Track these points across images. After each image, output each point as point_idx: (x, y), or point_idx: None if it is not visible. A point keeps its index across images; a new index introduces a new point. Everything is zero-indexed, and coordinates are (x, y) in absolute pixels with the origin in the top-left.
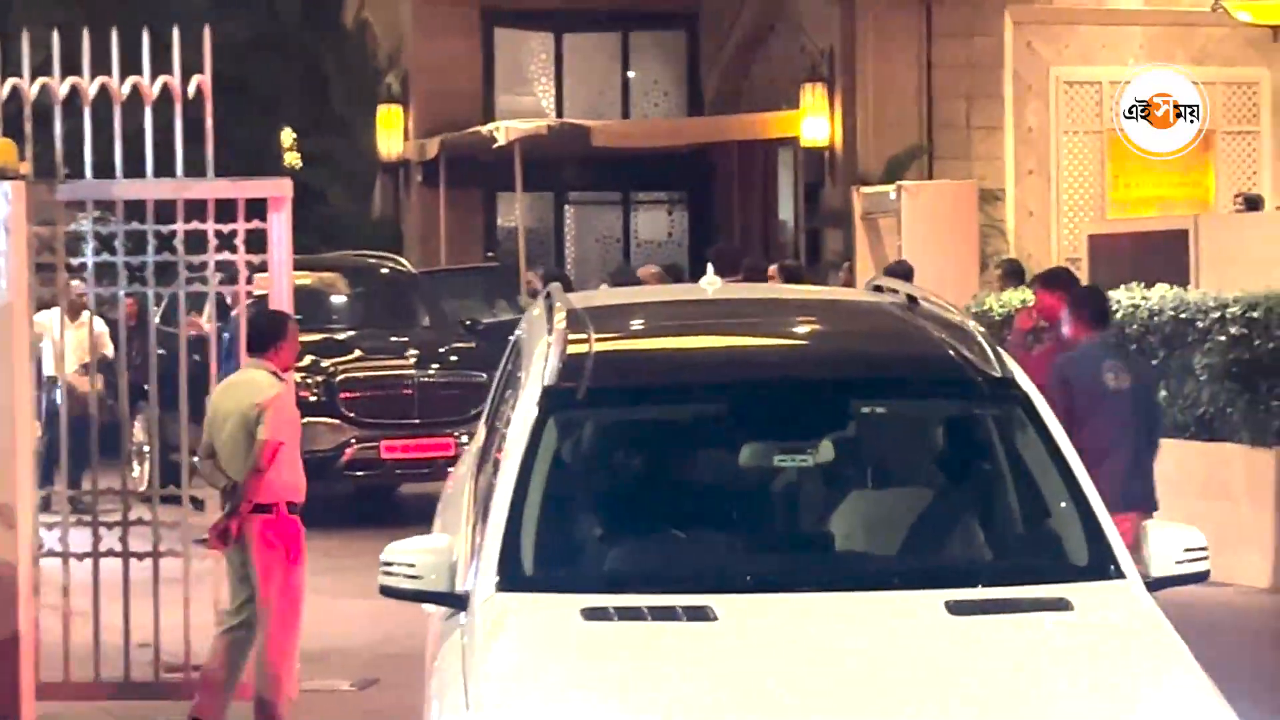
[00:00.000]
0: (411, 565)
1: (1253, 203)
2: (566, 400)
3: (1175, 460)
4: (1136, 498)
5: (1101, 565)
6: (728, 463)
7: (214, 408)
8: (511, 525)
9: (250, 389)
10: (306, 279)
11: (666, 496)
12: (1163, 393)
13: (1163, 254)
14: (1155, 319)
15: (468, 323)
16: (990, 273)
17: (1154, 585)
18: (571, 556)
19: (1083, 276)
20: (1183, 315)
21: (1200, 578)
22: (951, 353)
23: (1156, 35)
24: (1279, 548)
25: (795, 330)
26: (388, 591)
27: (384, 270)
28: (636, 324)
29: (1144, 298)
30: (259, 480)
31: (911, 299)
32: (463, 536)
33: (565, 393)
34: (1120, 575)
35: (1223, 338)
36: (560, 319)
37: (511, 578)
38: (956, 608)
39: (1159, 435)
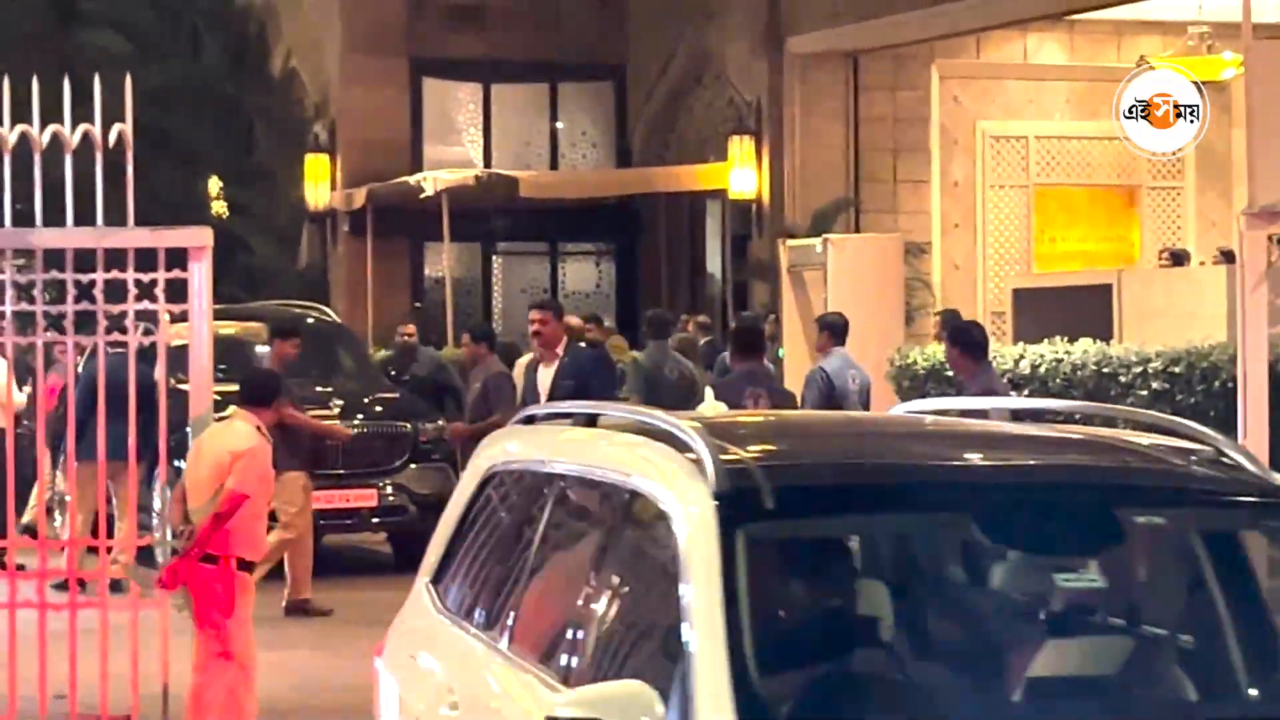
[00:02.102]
0: None
1: (1178, 258)
2: (752, 510)
3: None
4: None
5: None
6: (980, 581)
7: (195, 453)
8: (737, 664)
9: (229, 437)
10: (230, 329)
11: (918, 624)
12: None
13: (1087, 308)
14: (1078, 373)
15: (392, 373)
16: (916, 325)
17: None
18: (835, 699)
19: (1007, 330)
20: (1105, 369)
21: None
22: (1208, 464)
23: (1082, 90)
24: None
25: (1004, 440)
26: None
27: (309, 320)
28: (780, 437)
29: (1067, 351)
30: (217, 528)
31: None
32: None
33: (746, 500)
34: None
35: (1144, 392)
36: (691, 426)
37: None
38: None
39: None
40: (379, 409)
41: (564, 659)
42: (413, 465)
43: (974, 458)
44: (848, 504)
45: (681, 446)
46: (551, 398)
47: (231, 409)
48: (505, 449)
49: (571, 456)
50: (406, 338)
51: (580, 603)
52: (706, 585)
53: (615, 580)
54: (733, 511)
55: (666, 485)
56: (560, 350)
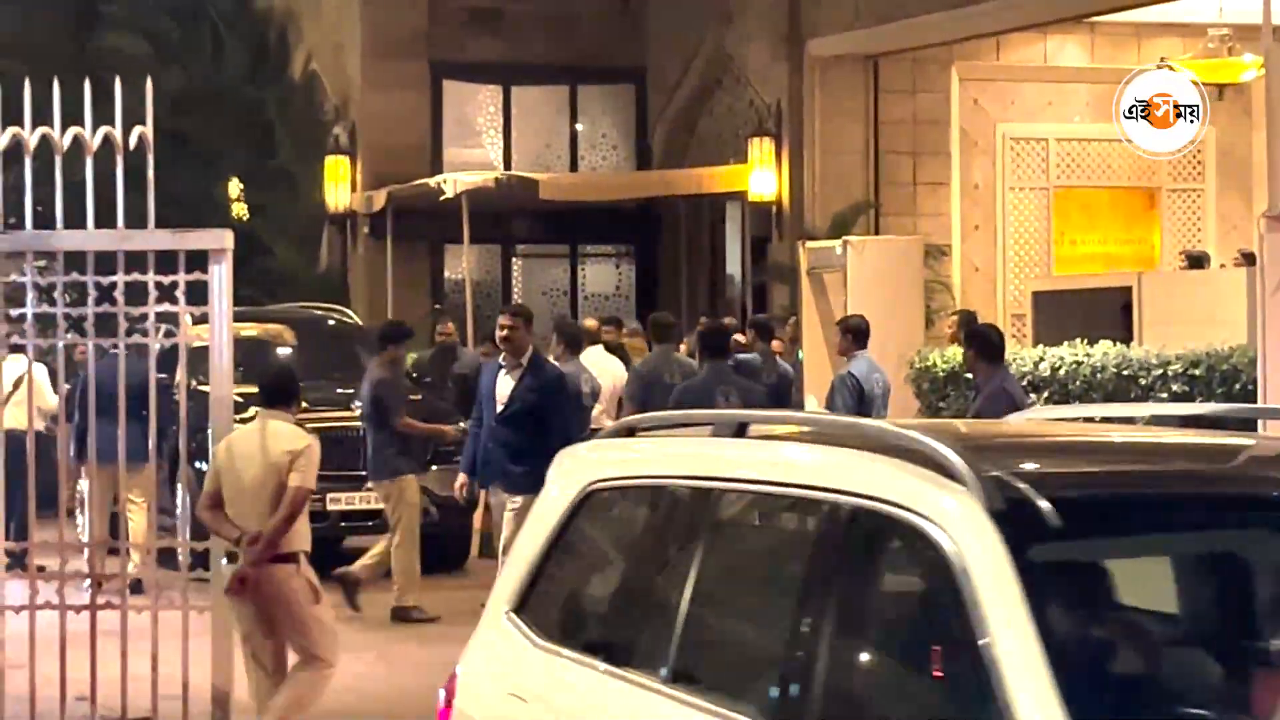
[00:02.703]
0: None
1: (1197, 260)
2: (1035, 528)
3: None
4: None
5: None
6: None
7: (230, 457)
8: (1068, 703)
9: (279, 438)
10: (253, 330)
11: (1228, 651)
12: None
13: (1107, 311)
14: (1098, 375)
15: (414, 375)
16: (936, 328)
17: None
18: None
19: (1027, 332)
20: (1125, 372)
21: None
22: None
23: (1102, 93)
24: None
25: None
26: None
27: (330, 322)
28: (1004, 449)
29: (1087, 354)
30: (288, 528)
31: None
32: None
33: (1027, 517)
34: None
35: (1165, 395)
36: (941, 443)
37: None
38: None
39: None
40: None
41: (773, 696)
42: (434, 467)
43: (1256, 469)
44: (1140, 519)
45: (912, 457)
46: (510, 405)
47: (254, 410)
48: (608, 463)
49: (753, 471)
50: (446, 337)
51: (793, 634)
52: (1008, 615)
53: (846, 608)
54: (1016, 530)
55: (920, 502)
56: (525, 360)
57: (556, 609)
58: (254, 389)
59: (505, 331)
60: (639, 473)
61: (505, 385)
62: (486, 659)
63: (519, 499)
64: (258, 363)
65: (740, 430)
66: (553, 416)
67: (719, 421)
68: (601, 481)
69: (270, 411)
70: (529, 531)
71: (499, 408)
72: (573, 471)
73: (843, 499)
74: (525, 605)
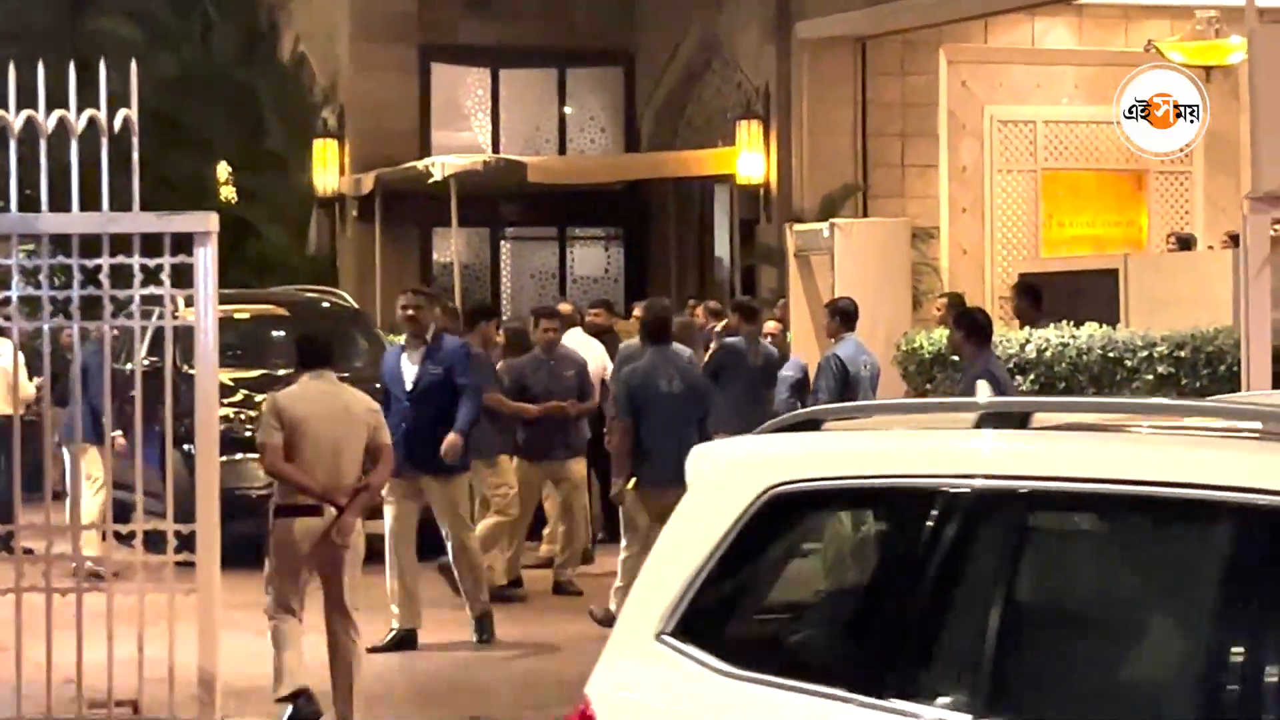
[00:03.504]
0: None
1: (1185, 243)
2: None
3: None
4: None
5: None
6: None
7: (305, 414)
8: None
9: (358, 396)
10: (246, 313)
11: None
12: None
13: (1093, 293)
14: (1084, 357)
15: None
16: (924, 310)
17: None
18: None
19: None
20: (1111, 354)
21: None
22: None
23: (1090, 75)
24: None
25: None
26: None
27: (325, 305)
28: None
29: (1073, 336)
30: (386, 482)
31: None
32: None
33: None
34: None
35: (1150, 376)
36: None
37: None
38: None
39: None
40: None
41: None
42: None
43: None
44: None
45: None
46: (419, 383)
47: (311, 375)
48: (796, 461)
49: (1111, 470)
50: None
51: (1214, 664)
52: None
53: None
54: None
55: None
56: (428, 338)
57: (752, 633)
58: (247, 373)
59: (411, 312)
60: (865, 472)
61: (410, 366)
62: (641, 690)
63: (450, 481)
64: (252, 346)
65: (1023, 421)
66: (460, 388)
67: (991, 410)
68: (791, 483)
69: (322, 372)
70: (676, 542)
71: (407, 387)
72: (736, 471)
73: None
74: (690, 628)
